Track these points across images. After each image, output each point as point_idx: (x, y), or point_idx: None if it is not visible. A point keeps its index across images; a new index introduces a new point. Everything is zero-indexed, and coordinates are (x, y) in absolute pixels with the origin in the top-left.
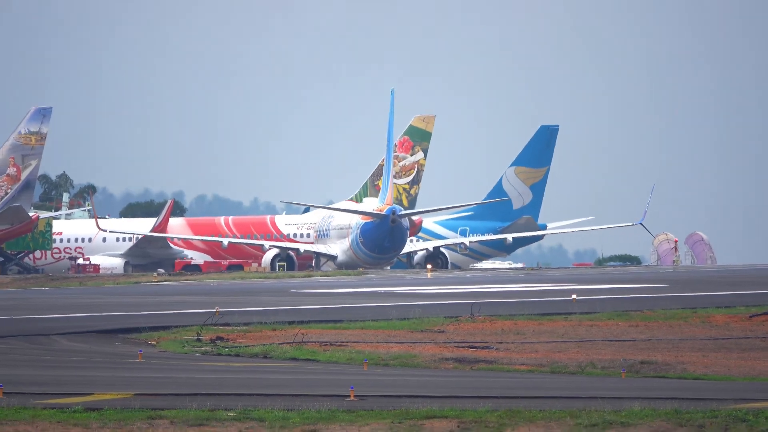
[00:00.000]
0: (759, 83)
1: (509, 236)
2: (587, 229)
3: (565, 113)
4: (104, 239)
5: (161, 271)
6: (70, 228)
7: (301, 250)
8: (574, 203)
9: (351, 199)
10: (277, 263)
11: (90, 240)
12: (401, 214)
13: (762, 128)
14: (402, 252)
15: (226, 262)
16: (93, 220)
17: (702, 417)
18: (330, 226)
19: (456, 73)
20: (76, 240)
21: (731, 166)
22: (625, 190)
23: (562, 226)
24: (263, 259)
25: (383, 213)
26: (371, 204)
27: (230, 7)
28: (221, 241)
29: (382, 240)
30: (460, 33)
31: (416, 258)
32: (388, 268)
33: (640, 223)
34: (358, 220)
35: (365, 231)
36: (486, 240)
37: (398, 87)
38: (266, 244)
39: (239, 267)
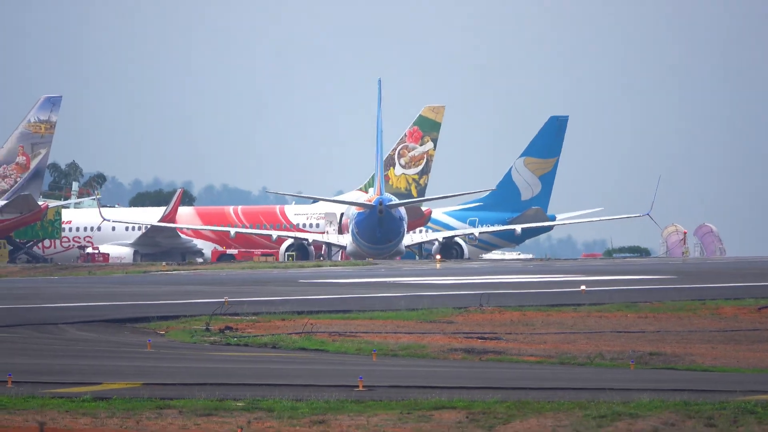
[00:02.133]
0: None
1: (518, 227)
2: (596, 220)
3: (574, 104)
4: (113, 228)
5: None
6: (80, 217)
7: (310, 240)
8: (584, 194)
9: (360, 189)
10: (287, 253)
11: (99, 229)
12: (390, 205)
13: None
14: (413, 243)
15: (259, 251)
16: (103, 210)
17: (711, 409)
18: (350, 216)
19: (466, 63)
20: (86, 229)
21: (741, 158)
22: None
23: (571, 217)
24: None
25: (372, 203)
26: (355, 195)
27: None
28: (228, 231)
29: (373, 230)
30: (470, 23)
31: (433, 249)
32: (399, 258)
33: (647, 215)
34: (353, 211)
35: (359, 222)
36: (495, 231)
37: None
38: (274, 234)
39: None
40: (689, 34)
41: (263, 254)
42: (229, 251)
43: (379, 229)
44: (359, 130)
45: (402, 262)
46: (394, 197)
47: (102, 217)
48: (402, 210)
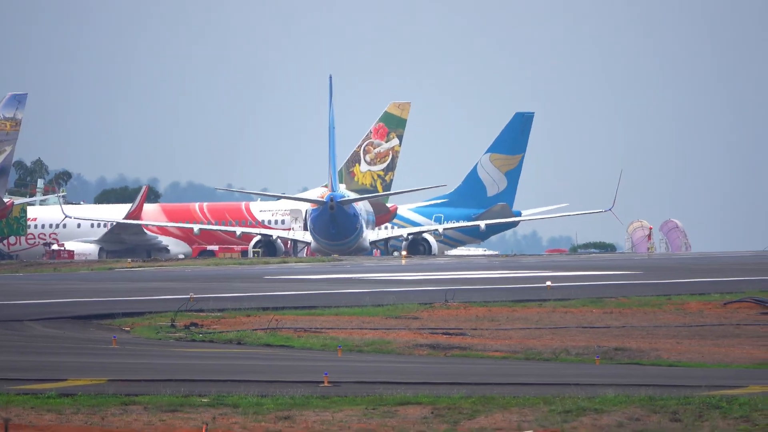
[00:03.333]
0: (731, 71)
1: (482, 223)
2: (558, 216)
3: (540, 100)
4: (79, 225)
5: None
6: (45, 214)
7: (274, 237)
8: (550, 190)
9: (325, 186)
10: (253, 250)
11: (65, 226)
12: (342, 201)
13: (736, 116)
14: (378, 239)
15: (238, 249)
16: (68, 207)
17: (676, 404)
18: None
19: (432, 59)
20: (51, 226)
21: (707, 153)
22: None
23: (537, 213)
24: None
25: (323, 200)
26: (342, 189)
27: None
28: (192, 228)
29: (327, 226)
30: (435, 20)
31: (403, 245)
32: (365, 254)
33: (610, 210)
34: (308, 207)
35: (313, 218)
36: (459, 227)
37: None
38: (238, 230)
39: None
40: (654, 29)
41: (241, 251)
42: (210, 248)
43: (332, 225)
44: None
45: (367, 258)
46: (348, 193)
47: (63, 213)
48: (360, 206)
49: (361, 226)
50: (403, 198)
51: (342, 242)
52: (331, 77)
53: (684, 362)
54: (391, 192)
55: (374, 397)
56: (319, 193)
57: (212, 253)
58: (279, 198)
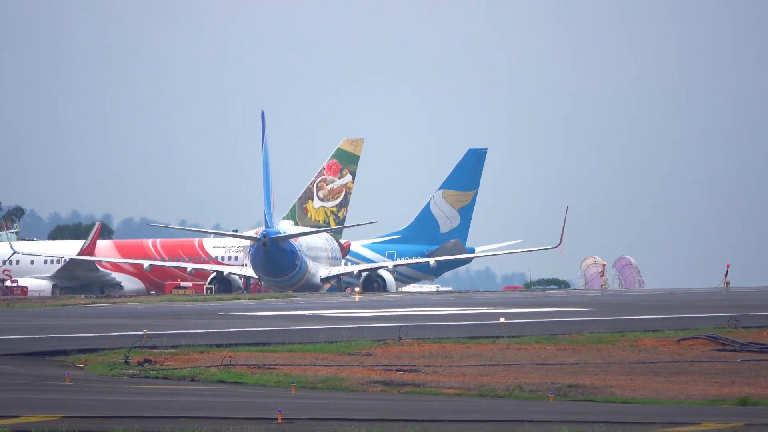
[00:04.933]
0: (685, 103)
1: (432, 260)
2: (510, 252)
3: (493, 136)
4: (32, 261)
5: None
6: None
7: (225, 273)
8: (503, 226)
9: (283, 219)
10: (207, 286)
11: (19, 263)
12: (276, 237)
13: (690, 152)
14: (330, 275)
15: (203, 283)
16: (21, 243)
17: None
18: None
19: (385, 95)
20: (3, 262)
21: (660, 190)
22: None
23: (489, 250)
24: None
25: (258, 236)
26: (285, 226)
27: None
28: (142, 264)
29: (263, 263)
30: (388, 54)
31: (360, 281)
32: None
33: (557, 247)
34: (248, 244)
35: (252, 255)
36: (410, 263)
37: (327, 109)
38: (189, 266)
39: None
40: (601, 64)
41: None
42: (183, 284)
43: (268, 262)
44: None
45: (321, 294)
46: (284, 230)
47: (12, 249)
48: (301, 242)
49: (302, 263)
50: (356, 234)
51: (282, 279)
52: (263, 113)
53: (638, 399)
54: (318, 230)
55: None
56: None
57: (184, 290)
58: (216, 235)
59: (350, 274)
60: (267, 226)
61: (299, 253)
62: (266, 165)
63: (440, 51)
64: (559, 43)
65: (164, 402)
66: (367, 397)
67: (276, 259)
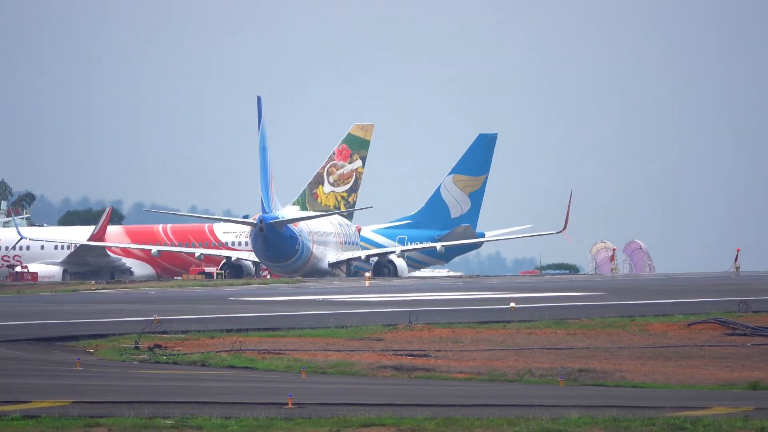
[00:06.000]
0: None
1: (439, 245)
2: (518, 237)
3: (503, 121)
4: (42, 247)
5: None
6: (8, 236)
7: (233, 258)
8: (514, 211)
9: (294, 204)
10: (217, 271)
11: (28, 248)
12: (273, 222)
13: (700, 137)
14: (338, 261)
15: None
16: (32, 229)
17: (640, 425)
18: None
19: (395, 80)
20: (8, 248)
21: (670, 174)
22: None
23: (500, 234)
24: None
25: (254, 222)
26: (291, 211)
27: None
28: (151, 249)
29: (263, 248)
30: (398, 38)
31: (372, 267)
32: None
33: (561, 232)
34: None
35: (252, 240)
36: (419, 248)
37: (338, 95)
38: (198, 251)
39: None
40: (617, 49)
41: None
42: (207, 269)
43: (266, 247)
44: (288, 146)
45: (331, 280)
46: (282, 215)
47: (20, 234)
48: (296, 227)
49: (304, 248)
50: (367, 219)
51: (283, 264)
52: (259, 98)
53: (648, 383)
54: (315, 215)
55: (338, 419)
56: (289, 211)
57: (210, 275)
58: (217, 221)
59: (358, 259)
60: (264, 211)
61: (299, 238)
62: (263, 150)
63: (451, 36)
64: (569, 26)
65: (175, 387)
66: (377, 381)
67: (273, 244)
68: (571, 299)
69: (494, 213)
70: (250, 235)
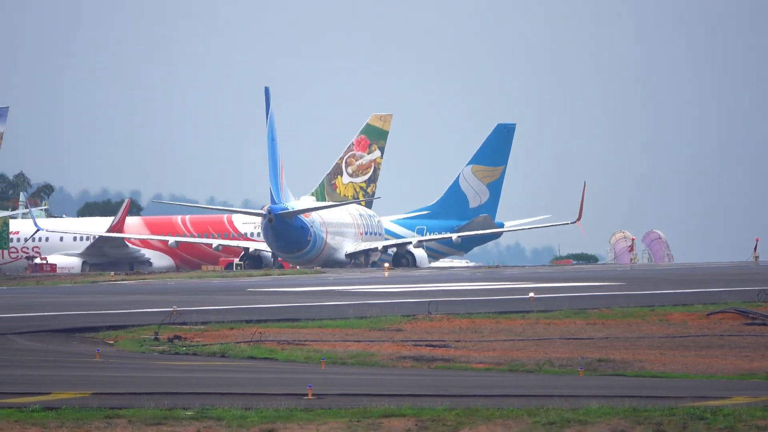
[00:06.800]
0: (716, 83)
1: (455, 236)
2: (536, 227)
3: (522, 111)
4: (61, 238)
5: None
6: (27, 227)
7: (251, 249)
8: (532, 201)
9: (312, 195)
10: (236, 262)
11: (47, 239)
12: (281, 213)
13: (718, 127)
14: (355, 251)
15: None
16: (50, 220)
17: (660, 415)
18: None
19: (414, 70)
20: (33, 239)
21: (690, 164)
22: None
23: (519, 225)
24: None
25: (264, 212)
26: (307, 201)
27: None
28: (167, 240)
29: (273, 239)
30: (417, 29)
31: (392, 258)
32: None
33: (575, 222)
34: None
35: (263, 231)
36: (437, 239)
37: (356, 85)
38: (215, 242)
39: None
40: (638, 39)
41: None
42: (236, 261)
43: (277, 238)
44: (306, 137)
45: (350, 270)
46: (292, 206)
47: (36, 226)
48: (308, 218)
49: (317, 238)
50: (387, 209)
51: (296, 255)
52: (267, 89)
53: (668, 373)
54: (326, 205)
55: (358, 410)
56: (306, 201)
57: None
58: (227, 212)
59: (375, 249)
60: (273, 202)
61: (311, 228)
62: (272, 141)
63: (469, 25)
64: (590, 14)
65: (194, 378)
66: (396, 372)
67: (283, 234)
68: (590, 289)
69: (513, 203)
70: (261, 226)
